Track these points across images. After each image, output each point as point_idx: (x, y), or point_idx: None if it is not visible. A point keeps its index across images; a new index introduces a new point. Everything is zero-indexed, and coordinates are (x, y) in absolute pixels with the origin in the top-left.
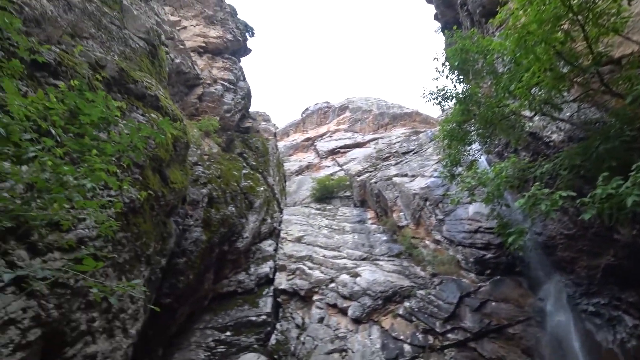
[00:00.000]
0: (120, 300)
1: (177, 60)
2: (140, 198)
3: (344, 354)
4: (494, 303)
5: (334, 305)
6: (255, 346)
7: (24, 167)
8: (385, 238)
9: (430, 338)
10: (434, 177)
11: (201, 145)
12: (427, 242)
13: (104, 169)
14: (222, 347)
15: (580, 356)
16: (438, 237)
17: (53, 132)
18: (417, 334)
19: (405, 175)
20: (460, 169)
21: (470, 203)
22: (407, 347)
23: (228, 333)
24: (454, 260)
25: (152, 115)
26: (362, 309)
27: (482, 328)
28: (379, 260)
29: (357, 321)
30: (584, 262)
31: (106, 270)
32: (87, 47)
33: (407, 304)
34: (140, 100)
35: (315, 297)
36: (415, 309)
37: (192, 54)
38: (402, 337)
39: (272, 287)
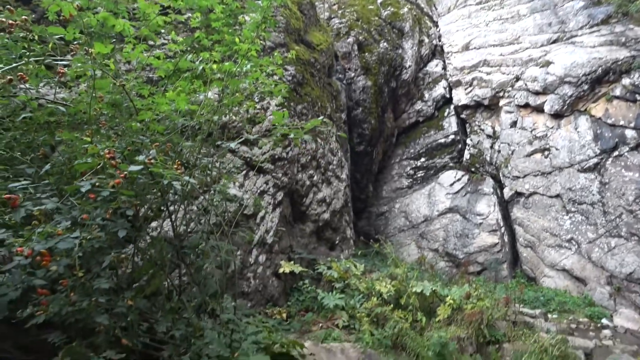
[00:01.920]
0: (324, 155)
1: None
2: (294, 60)
3: (546, 152)
4: None
5: (526, 105)
6: (451, 164)
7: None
8: (581, 4)
9: None
10: None
11: None
12: None
13: (251, 49)
14: (421, 172)
15: None
16: None
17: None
18: None
19: None
20: None
21: None
22: (630, 133)
23: (422, 159)
24: None
25: None
26: (562, 101)
27: None
28: (576, 36)
29: (557, 116)
30: None
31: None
32: None
33: (626, 80)
34: None
35: (501, 103)
36: None
37: None
38: (622, 123)
39: (451, 106)
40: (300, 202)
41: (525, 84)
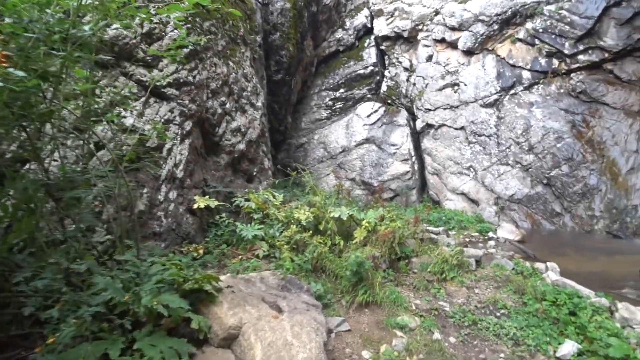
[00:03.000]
0: (237, 81)
1: None
2: None
3: (456, 87)
4: None
5: (442, 40)
6: (369, 96)
7: None
8: None
9: (555, 62)
10: None
11: None
12: None
13: None
14: (339, 103)
15: None
16: None
17: None
18: (540, 58)
19: None
20: None
21: None
22: (526, 74)
23: (341, 90)
24: None
25: None
26: (475, 39)
27: (627, 46)
28: None
29: (468, 53)
30: None
31: (213, 60)
32: None
33: (529, 25)
34: None
35: (420, 36)
36: (540, 30)
37: None
38: (520, 64)
39: (372, 37)
40: (213, 132)
41: (444, 19)
